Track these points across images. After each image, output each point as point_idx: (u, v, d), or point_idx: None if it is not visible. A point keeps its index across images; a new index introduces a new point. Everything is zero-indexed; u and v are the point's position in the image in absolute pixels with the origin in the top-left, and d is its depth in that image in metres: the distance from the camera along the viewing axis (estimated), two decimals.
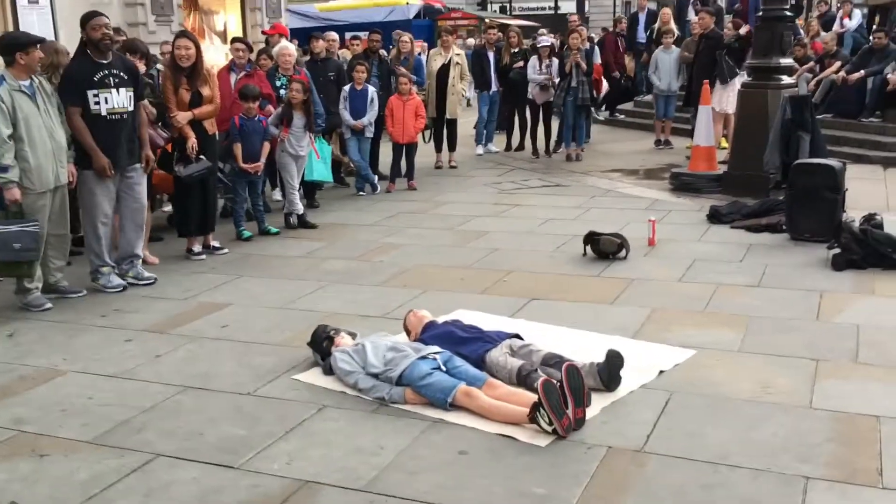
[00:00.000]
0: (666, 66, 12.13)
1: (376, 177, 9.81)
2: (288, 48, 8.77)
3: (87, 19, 5.80)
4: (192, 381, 4.36)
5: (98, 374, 4.50)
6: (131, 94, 5.95)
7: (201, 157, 6.69)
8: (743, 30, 10.87)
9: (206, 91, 6.75)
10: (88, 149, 5.78)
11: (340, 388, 4.16)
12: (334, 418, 3.87)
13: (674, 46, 12.23)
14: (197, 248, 6.95)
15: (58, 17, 14.28)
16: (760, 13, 9.14)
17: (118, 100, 5.86)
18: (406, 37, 11.20)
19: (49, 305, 5.68)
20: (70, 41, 9.86)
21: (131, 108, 5.95)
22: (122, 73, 5.90)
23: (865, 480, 3.18)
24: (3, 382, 4.44)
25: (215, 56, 16.11)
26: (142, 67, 6.63)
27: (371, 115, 9.27)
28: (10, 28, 11.93)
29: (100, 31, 5.77)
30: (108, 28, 5.84)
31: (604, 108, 15.60)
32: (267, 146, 7.69)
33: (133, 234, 6.23)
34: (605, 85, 15.12)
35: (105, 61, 5.82)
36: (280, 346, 4.83)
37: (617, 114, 15.76)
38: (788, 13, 9.02)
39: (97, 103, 5.77)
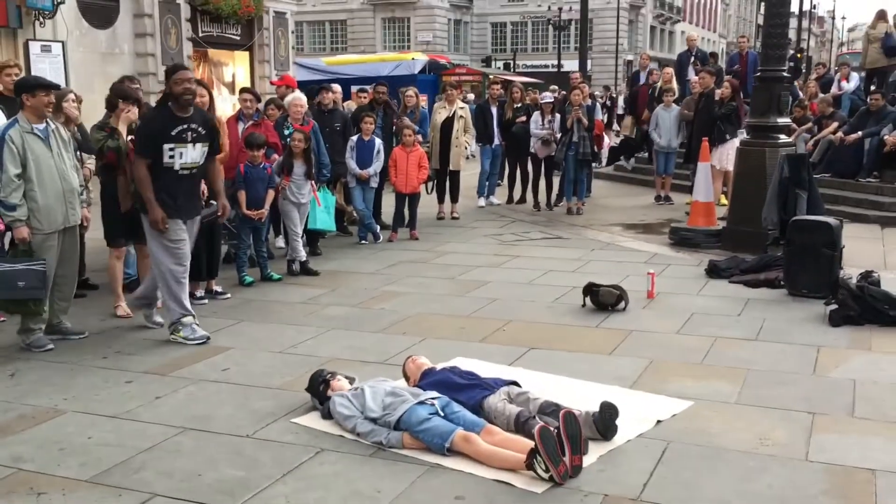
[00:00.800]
0: (666, 124, 12.36)
1: (379, 226, 9.92)
2: (300, 99, 8.94)
3: (171, 73, 5.72)
4: (192, 422, 4.38)
5: (98, 414, 4.52)
6: (206, 149, 5.85)
7: (212, 202, 6.78)
8: (717, 92, 11.04)
9: None
10: (146, 201, 5.66)
11: (339, 432, 4.18)
12: (332, 462, 3.89)
13: (674, 105, 12.46)
14: (199, 292, 7.00)
15: (69, 65, 14.59)
16: (758, 74, 9.34)
17: (192, 155, 5.74)
18: (411, 91, 11.42)
19: (51, 346, 5.72)
20: (81, 88, 10.08)
21: (202, 163, 5.86)
22: (200, 129, 5.76)
23: None
24: (3, 421, 4.45)
25: (223, 106, 16.38)
26: (133, 115, 6.48)
27: (377, 165, 9.43)
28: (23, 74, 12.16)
29: (182, 85, 5.62)
30: (190, 83, 5.68)
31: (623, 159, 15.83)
32: (271, 193, 7.80)
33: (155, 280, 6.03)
34: (606, 140, 15.35)
35: (185, 115, 5.70)
36: (280, 389, 4.86)
37: (624, 160, 15.86)
38: (786, 74, 9.21)
39: (171, 157, 5.66)
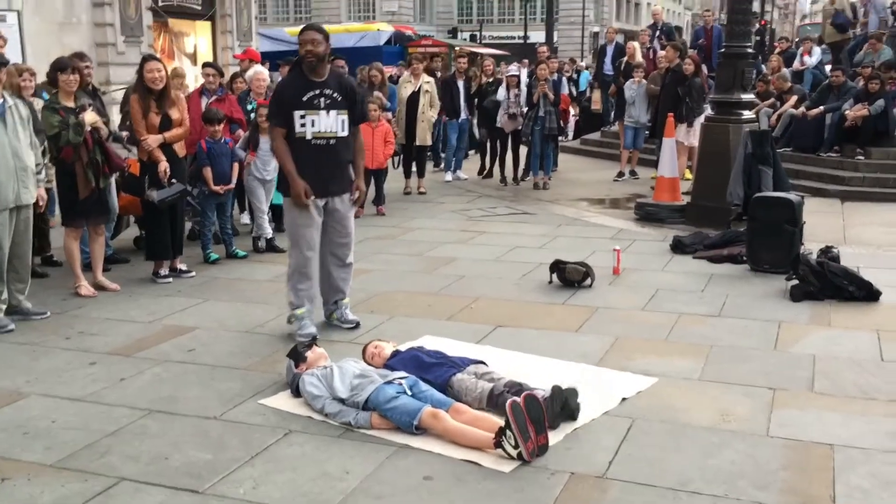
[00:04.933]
0: (636, 99, 12.34)
1: None
2: (262, 73, 8.83)
3: (300, 34, 5.26)
4: (158, 404, 4.34)
5: (62, 396, 4.47)
6: (344, 118, 5.31)
7: (173, 180, 6.68)
8: (684, 66, 10.94)
9: (174, 114, 6.74)
10: (286, 173, 5.28)
11: (307, 413, 4.18)
12: (300, 443, 3.89)
13: (643, 80, 12.45)
14: (164, 270, 6.92)
15: (25, 35, 14.17)
16: (723, 50, 9.38)
17: (326, 123, 5.24)
18: (375, 69, 11.29)
19: (12, 327, 5.62)
20: (38, 59, 9.81)
21: (343, 134, 5.32)
22: (335, 94, 5.26)
23: None
24: None
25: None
26: (73, 82, 6.25)
27: None
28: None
29: (305, 47, 5.16)
30: (313, 44, 5.15)
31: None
32: (237, 167, 7.72)
33: (339, 272, 5.60)
34: (572, 114, 15.33)
35: (318, 80, 5.24)
36: (246, 370, 4.84)
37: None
38: (750, 50, 9.27)
39: (303, 125, 5.20)
